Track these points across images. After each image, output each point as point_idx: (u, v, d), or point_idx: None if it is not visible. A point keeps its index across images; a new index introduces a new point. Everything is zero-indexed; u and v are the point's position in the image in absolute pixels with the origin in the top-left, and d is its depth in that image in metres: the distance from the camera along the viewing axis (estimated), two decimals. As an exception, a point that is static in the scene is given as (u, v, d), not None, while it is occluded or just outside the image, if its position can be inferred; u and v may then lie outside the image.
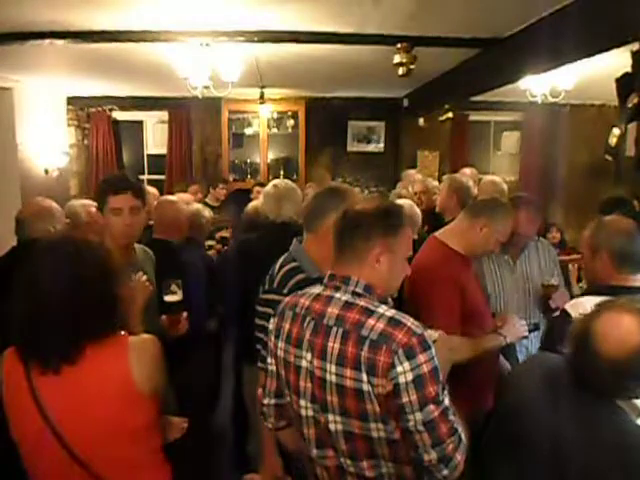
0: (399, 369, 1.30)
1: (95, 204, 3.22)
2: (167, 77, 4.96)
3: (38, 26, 3.64)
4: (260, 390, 1.74)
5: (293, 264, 1.99)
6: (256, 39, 3.88)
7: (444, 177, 4.08)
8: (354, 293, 1.46)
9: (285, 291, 1.92)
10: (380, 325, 1.36)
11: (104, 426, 1.44)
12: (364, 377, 1.34)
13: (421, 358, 1.32)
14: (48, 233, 2.56)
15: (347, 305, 1.44)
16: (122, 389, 1.44)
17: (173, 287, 2.19)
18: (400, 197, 4.16)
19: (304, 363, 1.47)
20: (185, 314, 2.23)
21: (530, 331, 2.33)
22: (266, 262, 2.52)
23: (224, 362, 3.74)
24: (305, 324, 1.49)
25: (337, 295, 1.48)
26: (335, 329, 1.41)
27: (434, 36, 3.84)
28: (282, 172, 7.38)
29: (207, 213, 3.91)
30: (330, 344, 1.40)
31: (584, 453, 1.39)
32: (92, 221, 3.10)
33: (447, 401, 1.35)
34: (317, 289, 1.57)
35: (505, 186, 3.92)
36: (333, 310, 1.45)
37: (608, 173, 6.82)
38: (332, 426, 1.43)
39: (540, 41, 3.36)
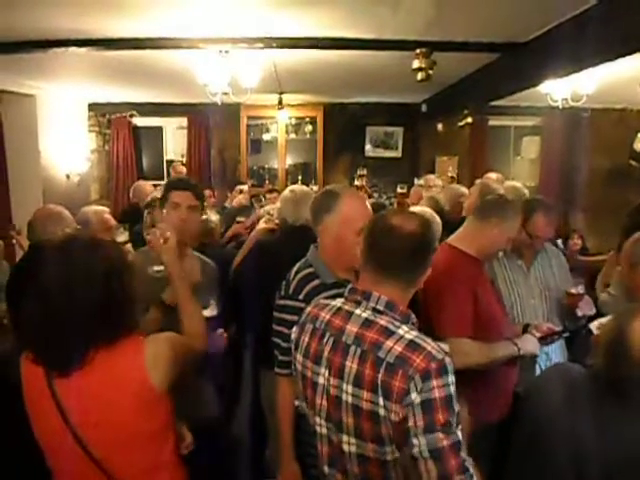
0: (413, 395, 1.24)
1: (108, 210, 3.30)
2: (187, 83, 5.01)
3: (60, 34, 3.70)
4: (282, 398, 1.73)
5: (308, 270, 1.99)
6: (275, 45, 3.89)
7: (476, 182, 4.05)
8: (375, 310, 1.41)
9: (301, 297, 1.93)
10: (398, 348, 1.29)
11: (122, 429, 1.44)
12: (380, 401, 1.28)
13: (434, 383, 1.24)
14: (56, 236, 2.59)
15: (367, 323, 1.39)
16: (139, 393, 1.44)
17: (211, 302, 2.15)
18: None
19: (321, 380, 1.44)
20: (221, 331, 2.18)
21: (553, 341, 2.33)
22: (285, 265, 2.52)
23: (243, 367, 3.73)
24: (325, 340, 1.45)
25: (357, 311, 1.43)
26: (354, 348, 1.37)
27: (453, 41, 3.83)
28: (300, 177, 7.40)
29: (214, 217, 3.91)
30: (348, 363, 1.36)
31: (613, 465, 1.36)
32: (104, 228, 3.12)
33: (460, 436, 1.25)
34: (338, 302, 1.53)
35: (527, 192, 3.88)
36: (352, 328, 1.40)
37: (630, 178, 6.75)
38: (346, 447, 1.39)
39: (561, 45, 3.33)
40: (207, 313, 2.14)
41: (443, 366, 1.26)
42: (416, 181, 4.92)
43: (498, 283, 2.67)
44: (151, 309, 1.99)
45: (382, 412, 1.28)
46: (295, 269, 2.03)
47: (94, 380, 1.41)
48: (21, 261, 2.71)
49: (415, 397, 1.23)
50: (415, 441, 1.23)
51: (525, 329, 2.37)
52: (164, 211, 2.27)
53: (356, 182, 5.06)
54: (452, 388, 1.26)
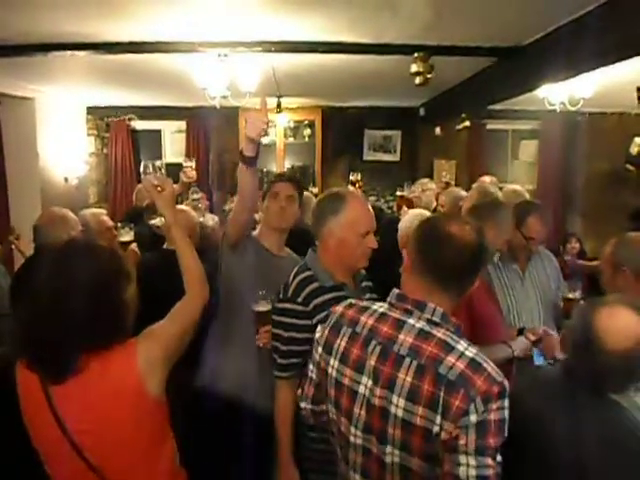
0: (472, 417, 1.21)
1: (105, 212, 3.34)
2: (185, 87, 5.02)
3: (60, 38, 3.70)
4: (281, 401, 1.69)
5: (307, 273, 1.99)
6: (274, 49, 3.90)
7: (473, 186, 4.06)
8: (430, 321, 1.35)
9: (299, 300, 1.93)
10: (460, 365, 1.25)
11: (118, 436, 1.44)
12: (438, 419, 1.23)
13: (493, 405, 1.22)
14: (61, 240, 2.60)
15: (423, 334, 1.32)
16: (135, 399, 1.44)
17: (269, 298, 2.17)
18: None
19: (361, 389, 1.37)
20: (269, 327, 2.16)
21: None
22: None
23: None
24: (370, 348, 1.37)
25: (410, 321, 1.36)
26: (409, 360, 1.30)
27: (451, 45, 3.84)
28: (298, 181, 7.39)
29: (211, 222, 3.89)
30: (401, 376, 1.29)
31: (602, 457, 1.37)
32: (102, 229, 3.14)
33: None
34: (379, 307, 1.46)
35: (527, 195, 3.90)
36: (406, 338, 1.33)
37: (628, 182, 6.77)
38: (388, 458, 1.32)
39: (558, 50, 3.35)
40: (260, 308, 2.16)
41: (503, 389, 1.24)
42: (406, 186, 4.84)
43: (494, 287, 2.68)
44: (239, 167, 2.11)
45: (436, 429, 1.23)
46: (294, 272, 2.03)
47: (89, 387, 1.40)
48: (24, 265, 2.73)
49: (473, 418, 1.21)
50: (463, 460, 1.21)
51: (520, 332, 2.38)
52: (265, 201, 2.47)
53: (350, 187, 5.03)
54: (507, 412, 1.25)
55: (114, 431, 1.43)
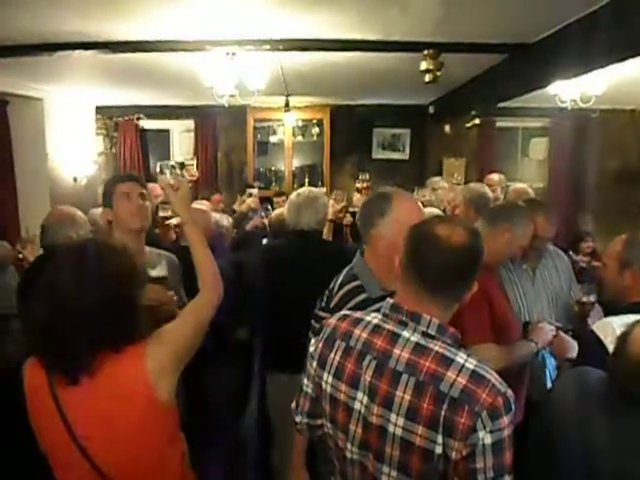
0: (481, 434, 1.16)
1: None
2: (193, 86, 5.01)
3: (67, 37, 3.70)
4: (294, 404, 1.65)
5: (354, 283, 1.88)
6: (281, 47, 3.88)
7: (459, 188, 4.02)
8: (425, 334, 1.29)
9: None
10: (462, 380, 1.19)
11: (129, 442, 1.43)
12: (439, 438, 1.18)
13: (505, 421, 1.17)
14: (70, 240, 2.58)
15: (419, 348, 1.26)
16: (144, 406, 1.42)
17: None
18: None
19: (357, 405, 1.32)
20: None
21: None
22: (291, 269, 2.49)
23: (253, 370, 3.71)
24: (365, 363, 1.32)
25: (405, 334, 1.30)
26: (406, 377, 1.24)
27: (461, 42, 3.80)
28: (307, 180, 7.38)
29: (225, 222, 3.92)
30: (399, 393, 1.24)
31: (627, 469, 1.35)
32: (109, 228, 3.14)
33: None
34: (373, 318, 1.40)
35: (532, 193, 3.86)
36: (402, 353, 1.27)
37: (640, 179, 6.70)
38: (384, 478, 1.28)
39: (569, 46, 3.30)
40: (155, 273, 2.14)
41: (508, 400, 1.20)
42: (416, 190, 4.78)
43: (505, 288, 2.65)
44: None
45: (438, 450, 1.19)
46: (339, 281, 1.93)
47: (98, 392, 1.39)
48: (34, 263, 2.72)
49: (484, 436, 1.17)
50: None
51: (525, 328, 2.36)
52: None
53: (357, 185, 4.98)
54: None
55: (123, 436, 1.42)
